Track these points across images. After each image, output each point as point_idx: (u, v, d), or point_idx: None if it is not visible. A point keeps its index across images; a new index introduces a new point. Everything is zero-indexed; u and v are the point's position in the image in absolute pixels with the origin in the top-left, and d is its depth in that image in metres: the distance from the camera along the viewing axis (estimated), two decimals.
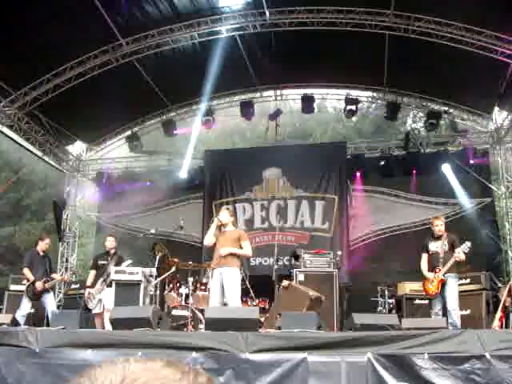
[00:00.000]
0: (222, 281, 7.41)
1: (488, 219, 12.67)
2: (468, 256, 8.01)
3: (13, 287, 11.21)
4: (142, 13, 10.88)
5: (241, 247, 7.62)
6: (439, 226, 8.25)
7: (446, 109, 13.41)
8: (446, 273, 7.92)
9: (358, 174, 13.63)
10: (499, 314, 8.28)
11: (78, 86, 12.06)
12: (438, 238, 8.23)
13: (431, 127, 13.22)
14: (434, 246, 8.21)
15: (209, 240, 7.72)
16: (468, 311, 9.31)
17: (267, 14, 11.26)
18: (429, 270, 8.14)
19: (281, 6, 11.22)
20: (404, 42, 11.11)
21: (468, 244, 7.88)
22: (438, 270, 7.98)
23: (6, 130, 12.63)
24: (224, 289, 7.38)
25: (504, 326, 8.23)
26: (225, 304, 7.40)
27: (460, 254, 7.85)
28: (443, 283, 7.94)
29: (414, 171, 13.24)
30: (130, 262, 9.42)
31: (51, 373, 5.35)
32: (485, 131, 13.49)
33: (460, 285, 9.16)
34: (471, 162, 12.87)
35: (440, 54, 11.02)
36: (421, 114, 15.60)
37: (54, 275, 9.96)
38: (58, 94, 12.11)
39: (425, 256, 8.30)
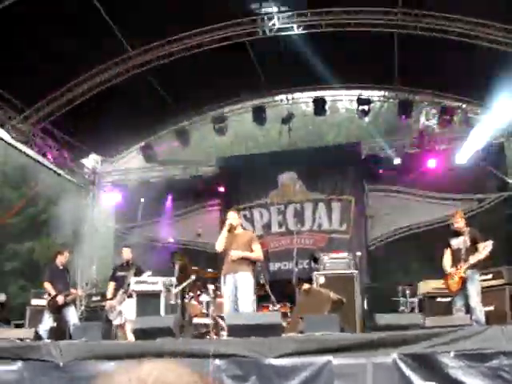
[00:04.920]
0: (236, 286, 7.38)
1: (507, 213, 12.55)
2: (491, 252, 7.93)
3: (34, 302, 11.21)
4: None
5: (251, 251, 7.60)
6: (458, 223, 8.22)
7: (459, 104, 13.30)
8: (467, 269, 7.86)
9: (374, 173, 13.52)
10: None
11: (90, 100, 12.12)
12: (460, 234, 8.17)
13: (445, 124, 13.13)
14: (455, 243, 8.15)
15: (220, 245, 7.67)
16: (491, 307, 9.18)
17: (275, 18, 11.28)
18: (451, 267, 8.07)
19: (289, 11, 11.22)
20: (413, 39, 11.04)
21: (489, 243, 7.82)
22: (459, 267, 7.91)
23: (20, 146, 12.71)
24: (237, 294, 7.35)
25: None
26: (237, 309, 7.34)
27: (481, 254, 7.81)
28: (464, 280, 7.86)
29: (430, 168, 13.14)
30: (149, 273, 9.43)
31: None
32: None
33: (482, 280, 9.07)
34: (487, 156, 12.76)
35: (450, 50, 10.93)
36: (434, 111, 15.45)
37: (72, 290, 9.99)
38: (71, 109, 12.19)
39: (447, 252, 8.24)
